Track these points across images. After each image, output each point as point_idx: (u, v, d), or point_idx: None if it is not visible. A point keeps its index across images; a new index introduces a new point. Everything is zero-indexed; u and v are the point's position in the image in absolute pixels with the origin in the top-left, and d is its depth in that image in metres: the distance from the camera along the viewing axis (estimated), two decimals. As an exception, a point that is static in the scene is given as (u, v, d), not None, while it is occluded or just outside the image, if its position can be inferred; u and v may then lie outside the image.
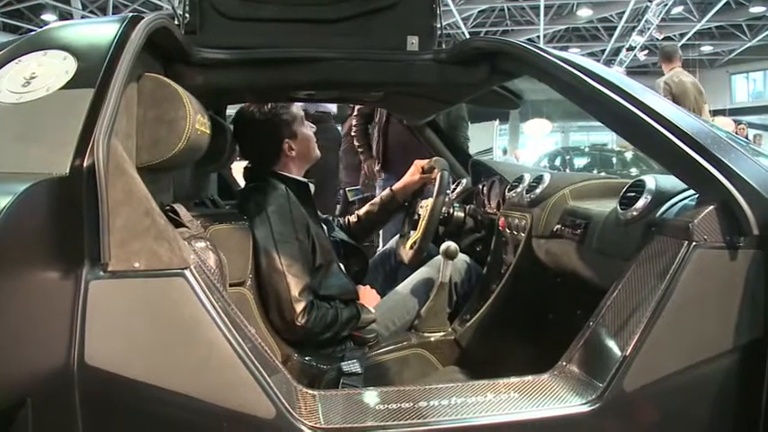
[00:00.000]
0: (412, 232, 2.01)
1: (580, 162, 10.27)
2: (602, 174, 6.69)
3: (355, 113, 3.44)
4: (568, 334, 1.10)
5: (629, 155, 9.70)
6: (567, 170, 9.21)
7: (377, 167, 3.29)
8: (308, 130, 1.80)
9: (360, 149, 3.48)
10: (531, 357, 1.59)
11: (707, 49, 17.70)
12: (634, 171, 8.89)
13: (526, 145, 17.82)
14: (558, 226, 1.53)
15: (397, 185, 2.15)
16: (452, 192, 2.42)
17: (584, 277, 1.40)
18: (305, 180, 1.80)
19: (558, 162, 10.08)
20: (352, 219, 2.17)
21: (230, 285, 1.32)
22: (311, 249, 1.64)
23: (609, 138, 14.31)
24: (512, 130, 17.94)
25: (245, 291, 1.49)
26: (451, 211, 2.06)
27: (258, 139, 1.74)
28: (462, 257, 1.90)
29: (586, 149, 11.87)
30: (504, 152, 14.23)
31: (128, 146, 1.07)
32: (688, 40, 15.80)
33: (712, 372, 0.98)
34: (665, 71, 4.73)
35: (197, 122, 1.17)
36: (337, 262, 1.76)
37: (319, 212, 1.93)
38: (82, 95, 0.91)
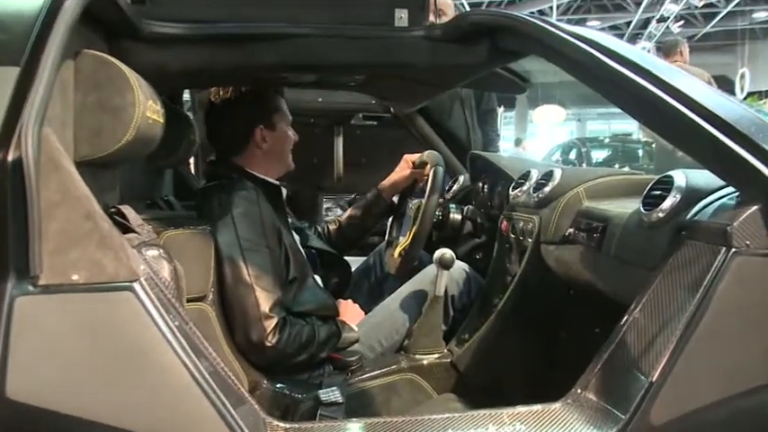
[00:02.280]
0: (401, 238, 2.02)
1: (599, 155, 10.34)
2: (626, 169, 6.71)
3: None
4: (583, 356, 1.10)
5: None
6: (584, 165, 9.25)
7: None
8: (291, 131, 1.83)
9: None
10: (540, 383, 1.59)
11: (761, 15, 15.76)
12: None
13: (536, 135, 17.97)
14: (571, 230, 1.53)
15: (383, 183, 2.16)
16: (448, 190, 2.43)
17: (602, 290, 1.40)
18: (276, 182, 1.79)
19: (572, 155, 10.14)
20: (332, 226, 2.18)
21: (188, 301, 1.31)
22: (284, 260, 1.65)
23: (634, 126, 14.32)
24: (519, 119, 18.07)
25: (206, 307, 1.48)
26: (447, 212, 2.07)
27: (227, 118, 1.74)
28: (459, 267, 1.91)
29: (606, 140, 11.90)
30: (517, 143, 14.29)
31: (64, 136, 1.04)
32: (737, 5, 14.43)
33: (756, 405, 0.96)
34: None
35: (148, 109, 1.15)
36: (313, 276, 1.77)
37: (294, 220, 1.93)
38: (4, 75, 0.88)
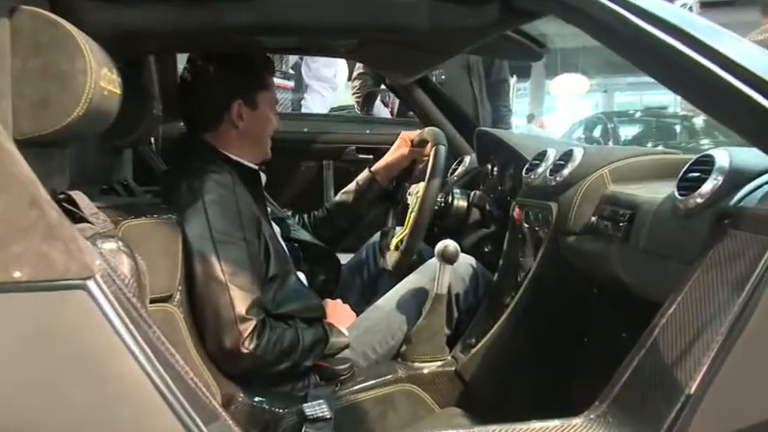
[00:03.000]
0: (398, 228, 2.02)
1: (629, 132, 10.27)
2: (659, 148, 6.66)
3: (357, 71, 3.47)
4: (609, 364, 1.10)
5: (699, 121, 9.61)
6: (611, 143, 9.21)
7: None
8: (276, 119, 1.84)
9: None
10: (558, 395, 1.60)
11: None
12: (706, 143, 8.77)
13: (554, 110, 17.94)
14: (594, 218, 1.53)
15: (377, 165, 2.17)
16: (451, 173, 2.42)
17: (630, 287, 1.41)
18: (254, 166, 1.78)
19: (597, 133, 10.09)
20: (319, 214, 2.18)
21: (152, 301, 1.29)
22: (263, 254, 1.65)
23: (670, 98, 14.22)
24: (534, 90, 18.00)
25: (173, 308, 1.48)
26: (450, 198, 2.07)
27: (202, 87, 1.74)
28: (465, 261, 1.92)
29: (637, 114, 11.77)
30: (532, 119, 14.27)
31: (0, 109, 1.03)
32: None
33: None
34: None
35: (102, 78, 1.14)
36: (296, 273, 1.78)
37: (275, 208, 1.92)
38: None
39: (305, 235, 2.04)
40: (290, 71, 4.08)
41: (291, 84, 4.03)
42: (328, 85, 4.16)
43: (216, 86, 1.73)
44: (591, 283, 1.64)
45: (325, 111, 4.12)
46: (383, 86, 3.30)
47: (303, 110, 4.09)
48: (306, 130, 2.78)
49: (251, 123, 1.76)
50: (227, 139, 1.75)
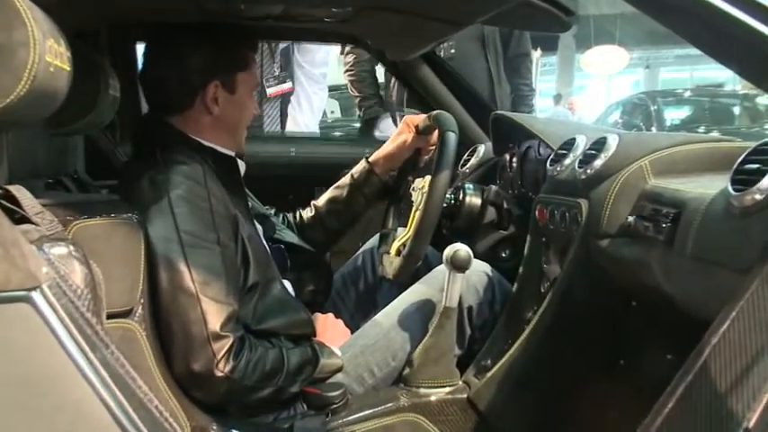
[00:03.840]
0: (400, 229, 2.01)
1: (676, 115, 10.17)
2: (714, 134, 6.55)
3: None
4: (650, 391, 1.11)
5: (764, 100, 9.45)
6: (654, 129, 9.16)
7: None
8: (255, 106, 1.87)
9: (365, 101, 3.51)
10: (589, 427, 1.59)
11: None
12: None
13: (585, 89, 17.89)
14: (632, 218, 1.53)
15: (375, 155, 2.18)
16: (463, 165, 2.42)
17: (675, 300, 1.40)
18: (229, 152, 1.79)
19: (638, 117, 10.03)
20: (307, 212, 2.19)
21: (109, 316, 1.30)
22: (241, 259, 1.65)
23: (727, 74, 14.13)
24: (562, 66, 17.95)
25: (133, 325, 1.47)
26: (462, 195, 2.07)
27: (175, 62, 1.73)
28: (479, 268, 1.93)
29: (687, 94, 11.66)
30: (557, 101, 14.25)
31: None
32: None
33: None
34: None
35: (48, 52, 1.13)
36: (280, 280, 1.77)
37: (256, 203, 1.92)
38: None
39: (291, 236, 2.05)
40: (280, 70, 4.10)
41: (290, 85, 4.05)
42: (318, 87, 4.18)
43: (190, 63, 1.73)
44: (628, 294, 1.64)
45: (316, 114, 4.14)
46: (389, 107, 3.34)
47: (293, 108, 4.11)
48: (293, 152, 2.79)
49: (227, 109, 1.76)
50: (198, 124, 1.74)
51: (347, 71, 3.72)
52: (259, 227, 1.85)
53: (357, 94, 3.72)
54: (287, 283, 1.84)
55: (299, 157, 2.79)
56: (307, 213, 2.20)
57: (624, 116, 10.51)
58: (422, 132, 2.09)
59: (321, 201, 2.21)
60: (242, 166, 1.83)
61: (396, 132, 2.16)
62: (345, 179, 2.20)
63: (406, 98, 3.43)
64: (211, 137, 1.77)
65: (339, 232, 2.23)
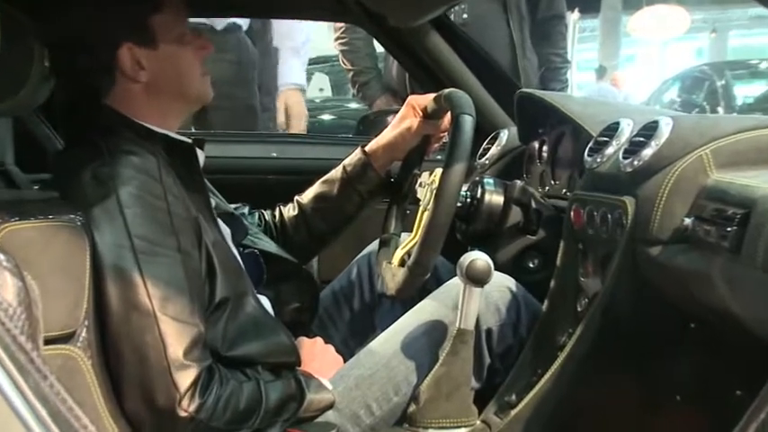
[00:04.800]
0: (404, 234, 2.01)
1: (748, 91, 10.08)
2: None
3: None
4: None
5: None
6: (720, 110, 9.11)
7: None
8: (190, 51, 1.79)
9: (358, 76, 3.51)
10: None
11: None
12: None
13: (635, 60, 17.78)
14: (689, 220, 1.53)
15: (373, 144, 2.18)
16: (481, 156, 2.42)
17: (743, 321, 1.40)
18: (185, 139, 1.77)
19: (700, 94, 9.96)
20: (289, 211, 2.18)
21: (47, 341, 1.30)
22: (206, 270, 1.64)
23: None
24: (606, 31, 17.84)
25: (76, 351, 1.47)
26: (480, 192, 2.07)
27: (73, 32, 1.69)
28: (501, 282, 1.92)
29: (763, 65, 11.57)
30: (599, 75, 14.16)
31: None
32: None
33: None
34: None
35: None
36: (255, 295, 1.76)
37: (220, 201, 1.91)
38: None
39: (267, 242, 2.04)
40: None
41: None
42: (302, 50, 4.20)
43: (86, 29, 1.69)
44: (684, 314, 1.63)
45: (302, 78, 4.16)
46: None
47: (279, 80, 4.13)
48: (274, 155, 2.80)
49: (158, 70, 1.72)
50: (133, 100, 1.72)
51: (338, 38, 3.72)
52: (226, 229, 1.83)
53: (350, 68, 3.72)
54: (264, 300, 1.83)
55: (282, 160, 2.81)
56: (289, 212, 2.20)
57: (683, 94, 10.46)
58: (430, 116, 2.09)
59: (306, 197, 2.20)
60: (201, 156, 1.81)
61: (398, 116, 2.15)
62: (336, 172, 2.19)
63: (408, 78, 3.43)
64: (157, 115, 1.74)
65: (328, 236, 2.22)
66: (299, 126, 4.06)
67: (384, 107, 3.51)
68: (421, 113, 2.11)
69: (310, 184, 2.25)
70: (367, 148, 2.17)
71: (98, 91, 1.72)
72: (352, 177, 2.16)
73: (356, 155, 2.18)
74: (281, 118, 4.06)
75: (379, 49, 3.86)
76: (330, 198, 2.17)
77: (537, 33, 3.82)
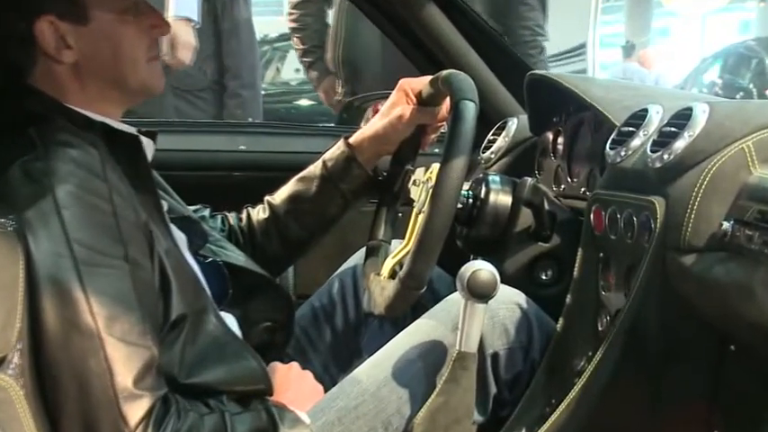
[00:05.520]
0: (395, 241, 2.01)
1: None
2: None
3: None
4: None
5: None
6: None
7: (339, 93, 3.41)
8: (133, 30, 1.75)
9: (305, 56, 3.55)
10: None
11: None
12: None
13: (669, 35, 17.79)
14: (728, 224, 1.54)
15: (358, 135, 2.18)
16: (485, 149, 2.43)
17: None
18: (129, 129, 1.76)
19: (746, 75, 9.98)
20: (259, 213, 2.19)
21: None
22: (160, 283, 1.63)
23: None
24: (634, 1, 17.84)
25: (5, 379, 1.47)
26: (484, 191, 2.07)
27: None
28: (509, 297, 1.92)
29: None
30: (627, 53, 14.19)
31: None
32: None
33: None
34: None
35: None
36: (217, 312, 1.76)
37: (174, 202, 1.91)
38: None
39: (232, 252, 2.02)
40: None
41: None
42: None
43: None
44: (723, 334, 1.64)
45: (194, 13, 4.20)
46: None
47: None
48: (242, 147, 2.81)
49: (88, 51, 1.70)
50: (59, 83, 1.71)
51: (290, 14, 3.77)
52: (181, 236, 1.82)
53: (298, 47, 3.78)
54: (229, 318, 1.82)
55: (252, 154, 2.82)
56: (258, 215, 2.19)
57: (725, 74, 10.49)
58: (426, 102, 2.08)
59: (279, 197, 2.19)
60: (149, 147, 1.78)
61: (388, 103, 2.14)
62: (315, 168, 2.18)
63: (342, 58, 3.50)
64: (89, 98, 1.72)
65: (305, 244, 2.22)
66: (186, 56, 4.09)
67: (330, 90, 3.55)
68: (415, 99, 2.10)
69: (285, 182, 2.25)
70: (351, 140, 2.16)
71: (21, 70, 1.70)
72: (334, 174, 2.15)
73: (338, 148, 2.16)
74: (165, 48, 4.07)
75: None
76: (308, 198, 2.16)
77: (496, 5, 3.86)
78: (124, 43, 1.74)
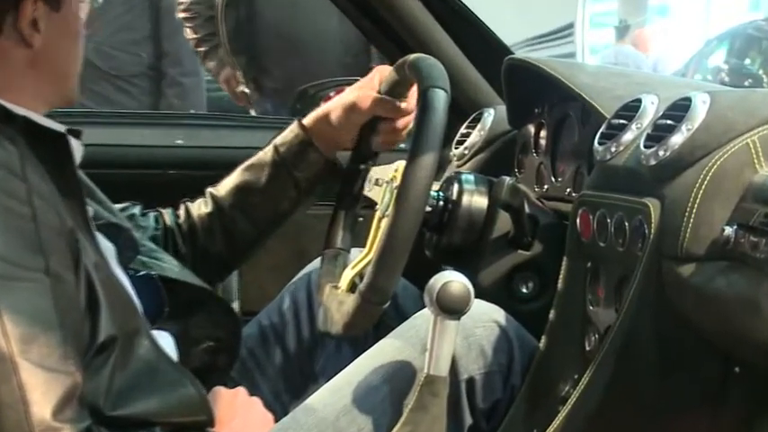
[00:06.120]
0: (355, 249, 2.02)
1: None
2: None
3: None
4: None
5: None
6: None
7: (241, 83, 3.45)
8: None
9: (199, 45, 3.59)
10: None
11: None
12: None
13: (668, 14, 17.85)
14: (731, 229, 1.55)
15: (312, 116, 2.19)
16: (458, 144, 2.44)
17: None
18: (56, 126, 1.76)
19: (756, 59, 10.03)
20: (200, 208, 2.17)
21: None
22: (86, 300, 1.61)
23: None
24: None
25: None
26: (456, 192, 2.07)
27: None
28: (485, 313, 1.93)
29: None
30: (620, 33, 14.26)
31: None
32: None
33: None
34: None
35: None
36: (150, 333, 1.75)
37: (101, 207, 1.90)
38: None
39: (168, 263, 2.01)
40: None
41: None
42: None
43: None
44: (726, 354, 1.64)
45: None
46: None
47: None
48: (180, 141, 2.82)
49: (53, 38, 1.70)
50: (6, 67, 1.69)
51: (179, 3, 3.83)
52: (109, 246, 1.81)
53: (192, 36, 3.83)
54: (165, 338, 1.82)
55: (191, 151, 2.82)
56: (200, 209, 2.18)
57: (732, 58, 10.55)
58: (390, 91, 2.08)
59: (224, 189, 2.18)
60: (78, 149, 1.76)
61: (350, 90, 2.15)
62: (265, 154, 2.17)
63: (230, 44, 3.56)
64: (25, 89, 1.71)
65: (253, 242, 2.22)
66: None
67: (231, 80, 3.59)
68: (377, 88, 2.10)
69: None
70: (306, 122, 2.17)
71: None
72: (287, 160, 2.14)
73: (292, 131, 2.16)
74: None
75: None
76: (257, 189, 2.16)
77: None
78: (79, 41, 1.77)
